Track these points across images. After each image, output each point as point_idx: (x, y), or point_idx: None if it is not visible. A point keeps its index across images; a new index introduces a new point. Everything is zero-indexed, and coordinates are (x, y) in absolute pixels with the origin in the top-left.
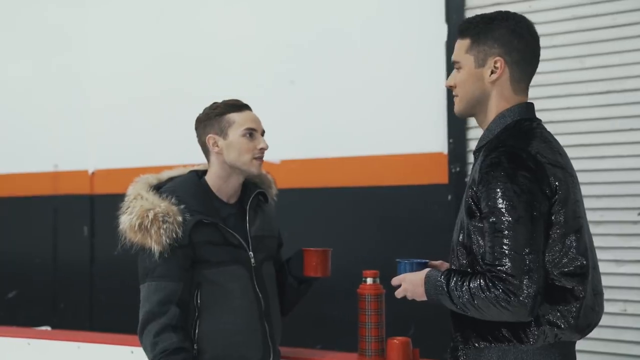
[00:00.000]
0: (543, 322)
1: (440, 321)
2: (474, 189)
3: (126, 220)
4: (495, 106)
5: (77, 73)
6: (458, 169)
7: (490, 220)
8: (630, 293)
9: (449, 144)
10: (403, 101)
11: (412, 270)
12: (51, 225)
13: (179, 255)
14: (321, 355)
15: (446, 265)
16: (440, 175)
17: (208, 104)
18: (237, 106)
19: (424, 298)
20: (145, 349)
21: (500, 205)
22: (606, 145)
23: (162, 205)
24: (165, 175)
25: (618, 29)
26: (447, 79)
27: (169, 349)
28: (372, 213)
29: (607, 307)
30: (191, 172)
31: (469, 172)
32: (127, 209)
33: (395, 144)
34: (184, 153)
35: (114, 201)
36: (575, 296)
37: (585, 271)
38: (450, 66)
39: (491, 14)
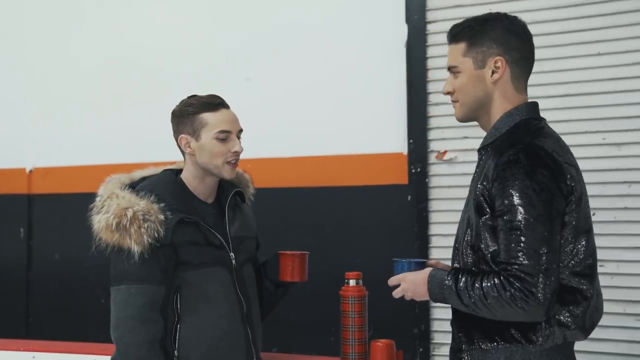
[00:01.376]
0: (552, 322)
1: (398, 321)
2: (486, 186)
3: (102, 220)
4: (500, 106)
5: (14, 65)
6: (419, 170)
7: (506, 217)
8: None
9: (409, 144)
10: (362, 101)
11: (409, 270)
12: None
13: (159, 257)
14: None
15: (442, 264)
16: (400, 176)
17: (159, 101)
18: (213, 105)
19: (426, 298)
20: (126, 356)
21: (517, 203)
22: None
23: (140, 203)
24: (138, 174)
25: (574, 34)
26: (407, 79)
27: None
28: (330, 214)
29: None
30: (166, 170)
31: (424, 173)
32: (101, 207)
33: (354, 144)
34: (131, 152)
35: (54, 201)
36: (584, 296)
37: (593, 271)
38: (412, 67)
39: (483, 15)
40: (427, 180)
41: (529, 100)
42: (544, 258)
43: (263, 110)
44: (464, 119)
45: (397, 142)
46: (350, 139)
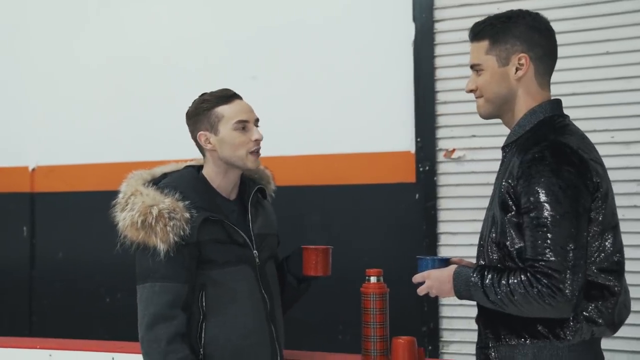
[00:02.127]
0: (580, 318)
1: (407, 319)
2: (511, 183)
3: (127, 217)
4: (524, 103)
5: (17, 64)
6: (427, 168)
7: (532, 214)
8: None
9: (417, 142)
10: (370, 99)
11: (434, 267)
12: None
13: (184, 255)
14: (323, 357)
15: (466, 261)
16: (407, 174)
17: (163, 99)
18: (226, 97)
19: (451, 295)
20: (149, 354)
21: (544, 200)
22: None
23: (165, 201)
24: (159, 171)
25: (582, 33)
26: (414, 77)
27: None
28: (338, 212)
29: None
30: (188, 167)
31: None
32: (125, 205)
33: (361, 142)
34: (134, 150)
35: (58, 200)
36: (612, 292)
37: (621, 268)
38: (419, 65)
39: (505, 13)
40: (435, 178)
41: (553, 97)
42: (571, 254)
43: (270, 109)
44: (487, 116)
45: (404, 140)
46: (358, 137)
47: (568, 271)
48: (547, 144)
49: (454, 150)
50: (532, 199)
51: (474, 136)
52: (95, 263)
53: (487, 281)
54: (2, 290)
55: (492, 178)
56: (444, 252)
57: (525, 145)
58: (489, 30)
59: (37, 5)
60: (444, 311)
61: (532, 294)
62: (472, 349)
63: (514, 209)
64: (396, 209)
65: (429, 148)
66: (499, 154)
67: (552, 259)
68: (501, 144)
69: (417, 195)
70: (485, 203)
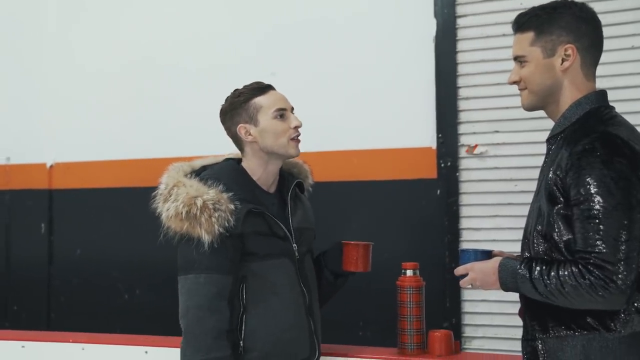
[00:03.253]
0: (631, 309)
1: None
2: (559, 174)
3: (171, 208)
4: (569, 94)
5: (36, 62)
6: (449, 164)
7: (583, 207)
8: None
9: (438, 138)
10: (391, 95)
11: (477, 259)
12: (3, 223)
13: (228, 247)
14: (359, 351)
15: (506, 253)
16: (429, 170)
17: (180, 97)
18: (261, 88)
19: (496, 287)
20: (193, 345)
21: (595, 191)
22: None
23: (210, 192)
24: (198, 163)
25: (608, 27)
26: (435, 73)
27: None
28: (359, 208)
29: None
30: (229, 159)
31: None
32: (169, 196)
33: (383, 138)
34: (151, 147)
35: (75, 196)
36: None
37: None
38: (440, 61)
39: (550, 3)
40: (457, 174)
41: (598, 89)
42: (623, 246)
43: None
44: (531, 107)
45: (425, 136)
46: (379, 133)
47: (621, 262)
48: (597, 135)
49: (476, 146)
50: (582, 190)
51: (496, 132)
52: (113, 260)
53: (535, 273)
54: (20, 286)
55: (515, 174)
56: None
57: (574, 137)
58: (534, 21)
59: (56, 5)
60: (466, 307)
61: (584, 285)
62: (495, 344)
63: (562, 200)
64: (417, 205)
65: (451, 144)
66: (522, 150)
67: (604, 250)
68: (524, 140)
69: (438, 191)
70: (508, 199)
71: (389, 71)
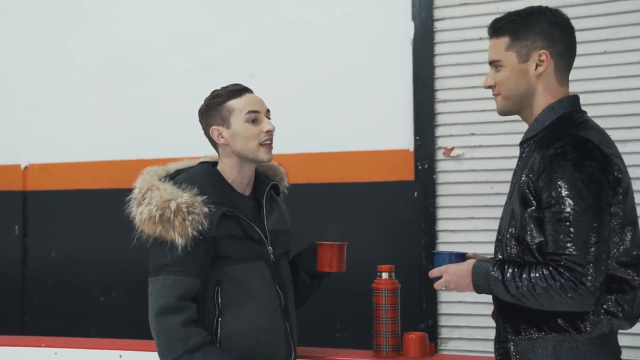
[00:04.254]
0: (600, 311)
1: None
2: (531, 177)
3: (144, 211)
4: (543, 99)
5: (10, 62)
6: (426, 166)
7: (554, 209)
8: None
9: (416, 141)
10: (369, 98)
11: (450, 262)
12: None
13: (200, 250)
14: (335, 354)
15: (480, 256)
16: (406, 172)
17: (158, 98)
18: (236, 91)
19: (469, 289)
20: (167, 344)
21: (566, 195)
22: None
23: (184, 195)
24: (172, 167)
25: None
26: (413, 76)
27: (205, 341)
28: (337, 210)
29: None
30: (202, 163)
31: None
32: (142, 200)
33: (360, 140)
34: (128, 149)
35: (50, 198)
36: (632, 286)
37: None
38: (418, 63)
39: (526, 9)
40: (434, 176)
41: (571, 93)
42: (593, 248)
43: (270, 107)
44: (506, 112)
45: (403, 138)
46: (357, 135)
47: (590, 265)
48: (569, 139)
49: (452, 148)
50: (554, 193)
51: (472, 134)
52: (89, 262)
53: (507, 275)
54: None
55: (491, 176)
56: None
57: (547, 141)
58: (509, 27)
59: (32, 4)
60: (442, 308)
61: (555, 287)
62: (471, 345)
63: (535, 203)
64: (395, 207)
65: (428, 146)
66: (498, 152)
67: (575, 252)
68: (500, 142)
69: (415, 193)
70: (484, 201)
71: (368, 74)
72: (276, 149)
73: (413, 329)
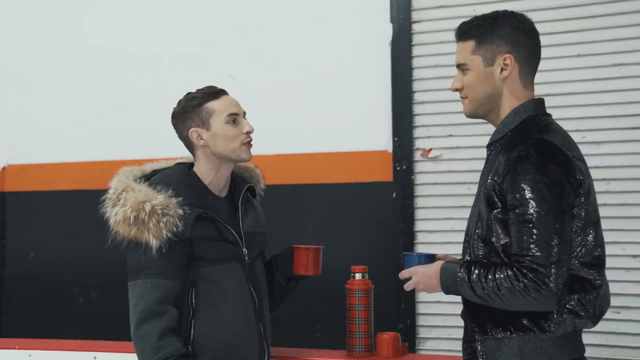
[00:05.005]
0: (563, 311)
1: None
2: (497, 180)
3: (119, 213)
4: (508, 102)
5: None
6: (404, 167)
7: (518, 211)
8: None
9: (394, 142)
10: (348, 99)
11: (420, 263)
12: None
13: (176, 251)
14: (309, 354)
15: (451, 257)
16: (385, 173)
17: (139, 99)
18: (214, 93)
19: (438, 290)
20: (142, 351)
21: (529, 197)
22: None
23: (158, 197)
24: (149, 167)
25: (556, 35)
26: (391, 78)
27: (175, 355)
28: (316, 211)
29: None
30: (179, 164)
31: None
32: (117, 201)
33: (339, 141)
34: (108, 148)
35: (29, 199)
36: (594, 286)
37: (602, 261)
38: (397, 65)
39: (492, 13)
40: (412, 177)
41: (536, 97)
42: (555, 249)
43: (248, 108)
44: (472, 115)
45: (382, 140)
46: (335, 136)
47: (553, 266)
48: (532, 142)
49: (430, 149)
50: (517, 195)
51: (450, 136)
52: (68, 263)
53: (473, 276)
54: None
55: (469, 177)
56: (421, 250)
57: (511, 144)
58: (475, 31)
59: (6, 3)
60: (421, 308)
61: (518, 288)
62: (449, 345)
63: (500, 205)
64: (374, 207)
65: (406, 147)
66: (475, 153)
67: (538, 254)
68: (477, 144)
69: (394, 194)
70: (462, 202)
71: (347, 75)
72: (256, 150)
73: (391, 328)
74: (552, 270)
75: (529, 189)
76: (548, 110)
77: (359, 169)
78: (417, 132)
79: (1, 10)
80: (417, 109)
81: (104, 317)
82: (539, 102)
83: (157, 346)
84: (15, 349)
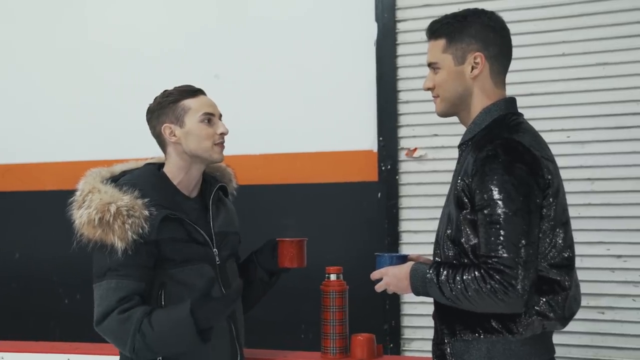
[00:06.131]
0: (532, 312)
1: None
2: (466, 181)
3: (83, 215)
4: (479, 101)
5: None
6: (389, 167)
7: (486, 211)
8: None
9: (379, 141)
10: (333, 99)
11: (392, 264)
12: None
13: (142, 253)
14: (283, 356)
15: (423, 258)
16: (370, 173)
17: (126, 99)
18: (191, 91)
19: (408, 291)
20: (111, 333)
21: (497, 197)
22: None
23: (124, 198)
24: (118, 168)
25: (540, 34)
26: (376, 77)
27: (147, 310)
28: (300, 211)
29: None
30: (148, 164)
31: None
32: (82, 202)
33: (324, 141)
34: (93, 148)
35: (14, 199)
36: (563, 287)
37: (571, 263)
38: (381, 65)
39: (462, 12)
40: (397, 177)
41: (508, 96)
42: (522, 251)
43: (233, 108)
44: (444, 114)
45: (367, 139)
46: (321, 136)
47: (520, 267)
48: (500, 141)
49: (415, 149)
50: (485, 196)
51: (435, 135)
52: (54, 264)
53: (442, 277)
54: None
55: None
56: (405, 250)
57: (480, 144)
58: (445, 29)
59: None
60: (406, 309)
61: (485, 290)
62: None
63: (469, 206)
64: (359, 207)
65: (391, 147)
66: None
67: (505, 255)
68: None
69: (379, 194)
70: None
71: (332, 75)
72: (241, 150)
73: (376, 329)
74: (519, 272)
75: (496, 189)
76: (533, 110)
77: (344, 169)
78: (401, 132)
79: None
80: (402, 108)
81: (89, 318)
82: (510, 102)
83: (125, 319)
84: None
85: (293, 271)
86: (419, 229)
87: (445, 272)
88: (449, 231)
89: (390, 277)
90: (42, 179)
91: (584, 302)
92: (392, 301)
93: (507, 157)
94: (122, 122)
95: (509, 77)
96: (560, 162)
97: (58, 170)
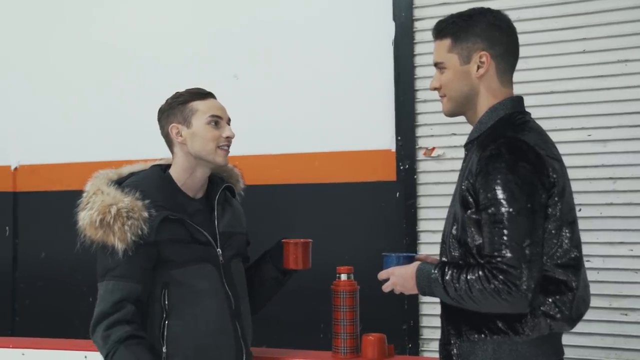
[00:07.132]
0: (538, 313)
1: (387, 317)
2: (470, 180)
3: (86, 217)
4: (485, 100)
5: None
6: (407, 166)
7: (490, 211)
8: None
9: (397, 141)
10: (351, 98)
11: (398, 264)
12: None
13: (142, 255)
14: (294, 355)
15: (431, 258)
16: (388, 173)
17: (145, 100)
18: (201, 94)
19: (415, 291)
20: (98, 346)
21: (500, 197)
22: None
23: (125, 200)
24: (126, 170)
25: (560, 32)
26: (394, 76)
27: (122, 337)
28: (319, 211)
29: None
30: (154, 166)
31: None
32: (86, 204)
33: (342, 141)
34: (117, 148)
35: (40, 199)
36: (570, 287)
37: (578, 263)
38: (399, 64)
39: (467, 11)
40: (415, 177)
41: (515, 95)
42: (527, 250)
43: (251, 108)
44: (451, 113)
45: (385, 139)
46: (339, 136)
47: (524, 267)
48: (504, 140)
49: (433, 148)
50: (489, 195)
51: (453, 134)
52: (78, 262)
53: (447, 277)
54: None
55: None
56: (423, 250)
57: (484, 143)
58: (451, 29)
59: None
60: (424, 309)
61: (489, 289)
62: None
63: (474, 205)
64: (377, 207)
65: (409, 146)
66: None
67: (508, 255)
68: None
69: (397, 194)
70: None
71: (350, 74)
72: (258, 150)
73: (395, 329)
74: (523, 272)
75: (500, 188)
76: (554, 108)
77: (362, 169)
78: (419, 131)
79: (6, 11)
80: (419, 107)
81: None
82: (517, 100)
83: (106, 335)
84: (9, 347)
85: (314, 271)
86: (438, 229)
87: (450, 272)
88: (454, 231)
89: (397, 277)
90: (67, 179)
91: (606, 303)
92: (411, 301)
93: (510, 156)
94: (146, 124)
95: (529, 76)
96: (581, 161)
97: (84, 170)
